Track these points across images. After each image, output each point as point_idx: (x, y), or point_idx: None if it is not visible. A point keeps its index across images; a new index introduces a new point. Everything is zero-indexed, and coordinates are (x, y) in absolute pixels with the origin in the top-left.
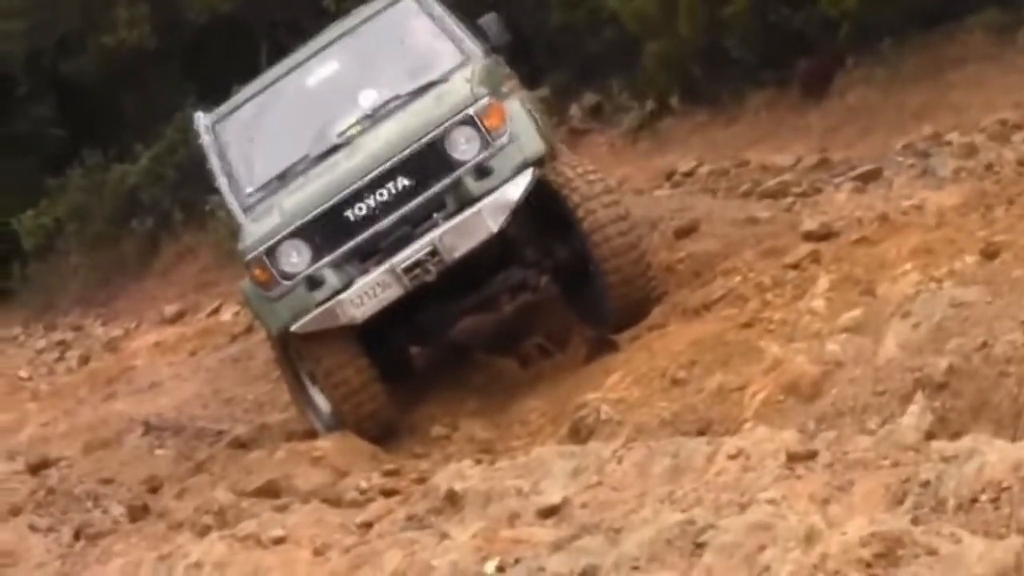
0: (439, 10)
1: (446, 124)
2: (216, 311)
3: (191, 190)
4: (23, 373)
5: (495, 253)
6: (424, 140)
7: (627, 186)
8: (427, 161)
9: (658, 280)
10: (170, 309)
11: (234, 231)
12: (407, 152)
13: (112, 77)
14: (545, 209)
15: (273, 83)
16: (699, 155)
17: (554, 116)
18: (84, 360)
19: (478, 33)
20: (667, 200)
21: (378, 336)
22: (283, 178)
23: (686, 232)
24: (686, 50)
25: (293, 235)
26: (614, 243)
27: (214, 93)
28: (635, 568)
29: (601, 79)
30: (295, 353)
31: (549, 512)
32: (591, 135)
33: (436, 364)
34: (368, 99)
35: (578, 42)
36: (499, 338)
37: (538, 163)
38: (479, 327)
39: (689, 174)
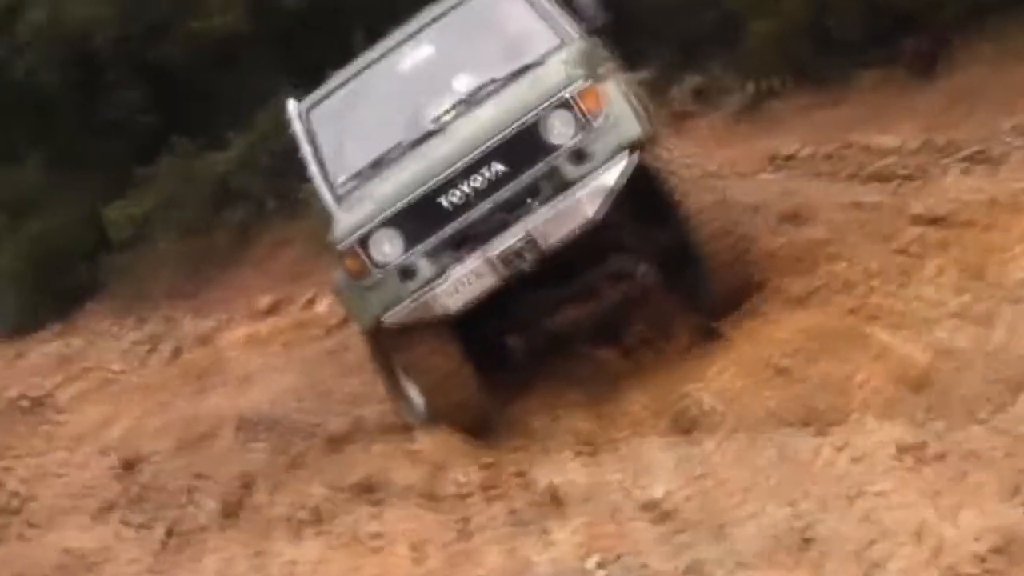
0: None
1: (542, 108)
2: (310, 303)
3: (284, 178)
4: (115, 367)
5: (593, 240)
6: (519, 124)
7: (729, 170)
8: (522, 146)
9: (759, 265)
10: (263, 301)
11: (327, 221)
12: (502, 137)
13: (204, 63)
14: (644, 194)
15: (366, 69)
16: (803, 137)
17: (655, 99)
18: (176, 353)
19: (575, 15)
20: (770, 184)
21: (473, 326)
22: (376, 166)
23: (789, 217)
24: (791, 29)
25: (386, 223)
26: (711, 229)
27: (307, 79)
28: (741, 564)
29: (703, 60)
30: (388, 344)
31: (652, 506)
32: (693, 118)
33: (534, 355)
34: (462, 84)
35: (679, 22)
36: (599, 328)
37: (637, 147)
38: (579, 317)
39: (793, 157)
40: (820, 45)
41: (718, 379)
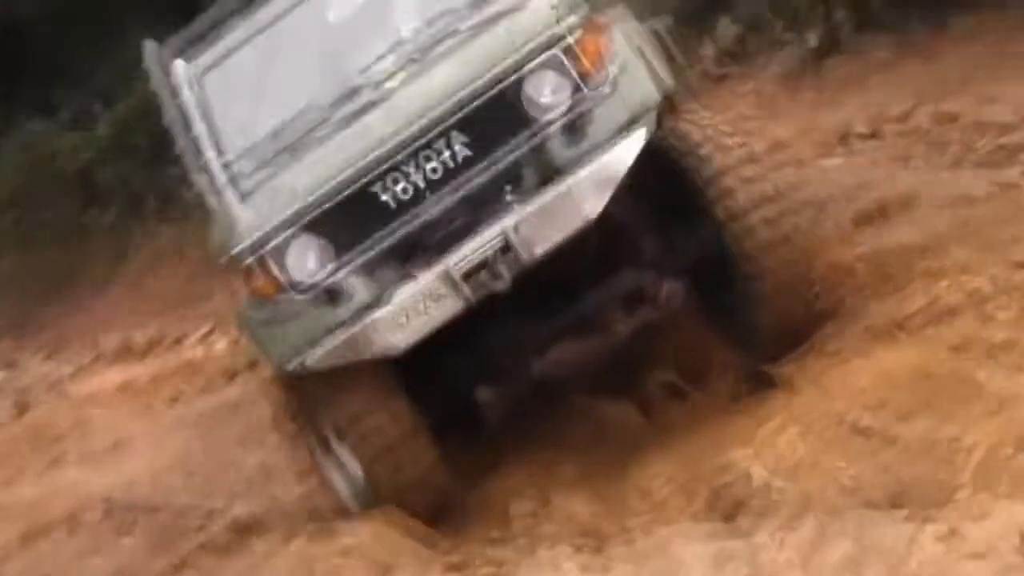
0: None
1: (522, 65)
2: (206, 338)
3: (171, 168)
4: None
5: (596, 249)
6: (490, 87)
7: (784, 153)
8: (495, 118)
9: (828, 285)
10: (141, 336)
11: (226, 223)
12: (466, 104)
13: (59, 12)
14: (666, 184)
15: (278, 16)
16: (885, 106)
17: (678, 55)
18: (21, 409)
19: None
20: (841, 173)
21: (432, 371)
22: (292, 147)
23: (870, 218)
24: None
25: (305, 227)
26: (760, 235)
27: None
28: None
29: (744, 3)
30: (312, 396)
31: None
32: (731, 82)
33: (517, 412)
34: (410, 32)
35: None
36: (608, 373)
37: (654, 117)
38: (578, 357)
39: (872, 135)
40: None
41: (773, 443)
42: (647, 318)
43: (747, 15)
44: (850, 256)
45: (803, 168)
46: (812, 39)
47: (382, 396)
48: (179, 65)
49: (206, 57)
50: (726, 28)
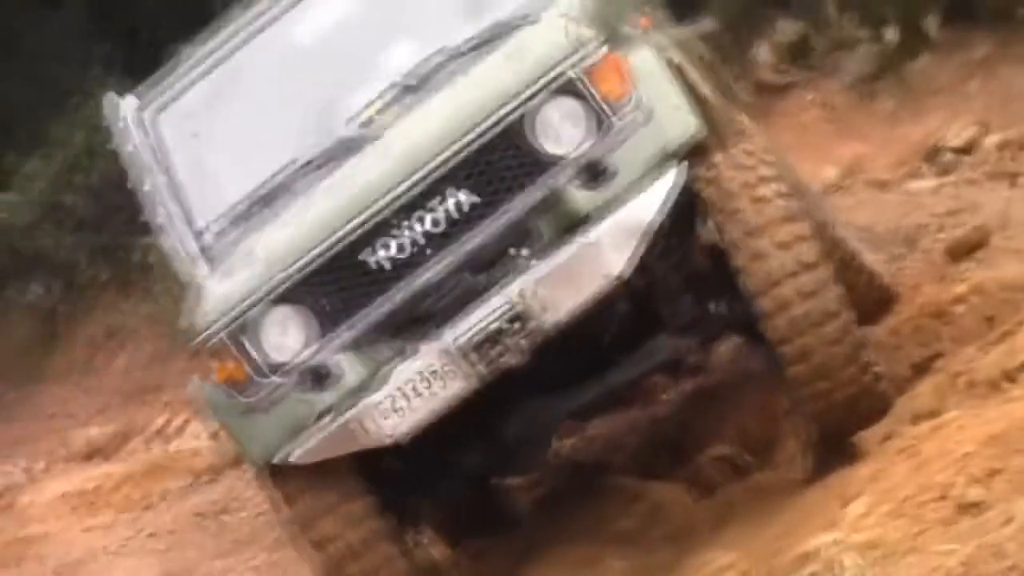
0: None
1: (531, 94)
2: (163, 431)
3: (115, 228)
4: None
5: (626, 310)
6: (494, 124)
7: (860, 176)
8: (501, 160)
9: (920, 331)
10: (83, 435)
11: (187, 293)
12: (466, 146)
13: None
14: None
15: (242, 40)
16: (982, 116)
17: (728, 66)
18: None
19: None
20: (931, 197)
21: (436, 461)
22: (265, 201)
23: (967, 250)
24: None
25: (282, 298)
26: (794, 312)
27: (146, 59)
28: None
29: None
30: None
31: None
32: (793, 92)
33: (552, 498)
34: (398, 59)
35: None
36: (655, 448)
37: (693, 153)
38: (620, 429)
39: (966, 150)
40: None
41: (861, 525)
42: (697, 385)
43: (809, 12)
44: (946, 297)
45: (886, 190)
46: (890, 36)
47: (337, 491)
48: (127, 104)
49: (158, 95)
50: (785, 29)
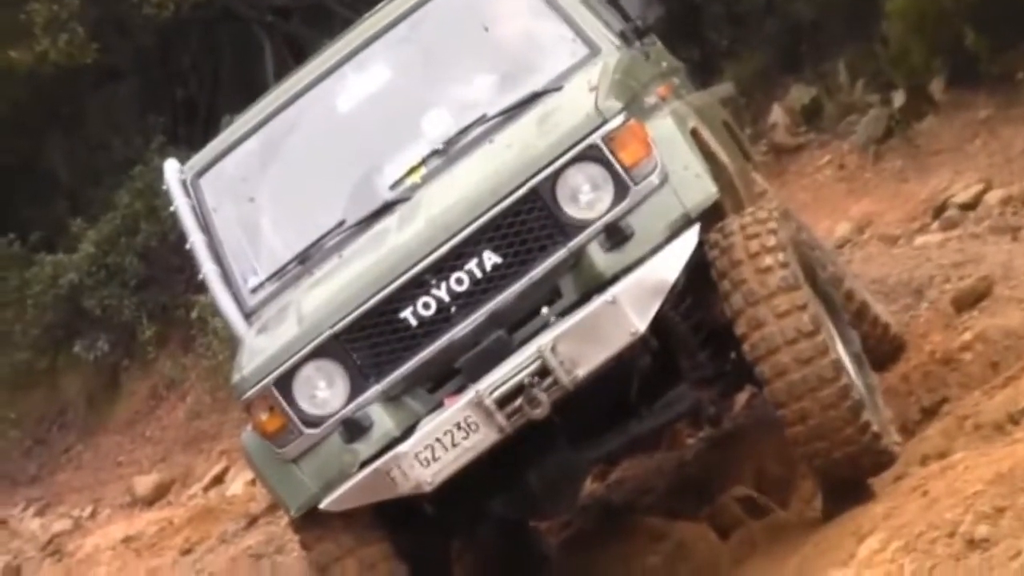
0: None
1: (558, 161)
2: (219, 479)
3: (166, 287)
4: None
5: (649, 363)
6: (523, 189)
7: (871, 231)
8: (529, 223)
9: (929, 378)
10: (145, 482)
11: (233, 349)
12: (496, 210)
13: (29, 113)
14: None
15: (285, 107)
16: (985, 173)
17: (745, 128)
18: (13, 575)
19: (612, 8)
20: (938, 250)
21: (468, 506)
22: (304, 260)
23: (973, 300)
24: (952, 5)
25: (318, 353)
26: (792, 377)
27: (194, 129)
28: None
29: (818, 61)
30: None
31: None
32: (807, 152)
33: (576, 537)
34: (434, 126)
35: (780, 6)
36: (679, 489)
37: (709, 215)
38: (645, 472)
39: (971, 206)
40: (998, 28)
41: (875, 560)
42: (718, 431)
43: (822, 76)
44: (954, 345)
45: (896, 246)
46: (898, 98)
47: (353, 537)
48: (170, 168)
49: (200, 160)
50: (798, 93)
